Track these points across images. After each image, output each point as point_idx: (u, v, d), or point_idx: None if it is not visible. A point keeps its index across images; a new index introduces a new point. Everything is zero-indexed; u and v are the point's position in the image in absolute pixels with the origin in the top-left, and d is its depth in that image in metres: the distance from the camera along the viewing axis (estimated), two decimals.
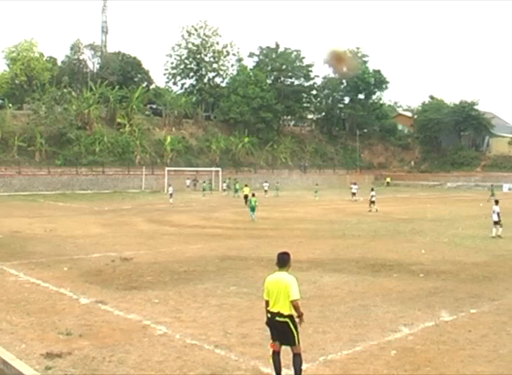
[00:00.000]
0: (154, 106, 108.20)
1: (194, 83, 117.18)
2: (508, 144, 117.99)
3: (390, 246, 28.99)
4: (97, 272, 21.41)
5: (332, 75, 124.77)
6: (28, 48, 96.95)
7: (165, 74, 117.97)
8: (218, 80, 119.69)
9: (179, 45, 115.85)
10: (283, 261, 10.63)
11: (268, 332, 10.81)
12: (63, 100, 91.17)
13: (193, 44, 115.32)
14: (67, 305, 16.27)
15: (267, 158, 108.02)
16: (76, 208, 52.91)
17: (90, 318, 14.89)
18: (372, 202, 52.03)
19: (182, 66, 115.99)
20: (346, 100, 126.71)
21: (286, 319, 10.30)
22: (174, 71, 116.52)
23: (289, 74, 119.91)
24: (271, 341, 10.69)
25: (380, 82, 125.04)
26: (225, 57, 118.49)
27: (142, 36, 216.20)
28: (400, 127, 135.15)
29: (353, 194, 65.91)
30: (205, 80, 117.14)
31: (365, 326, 14.28)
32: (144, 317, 14.96)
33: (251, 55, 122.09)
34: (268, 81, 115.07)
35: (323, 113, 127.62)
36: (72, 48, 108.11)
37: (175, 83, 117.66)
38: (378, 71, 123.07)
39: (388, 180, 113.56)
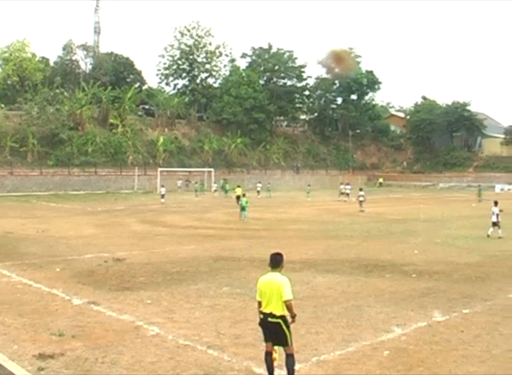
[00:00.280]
0: (146, 107, 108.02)
1: (187, 83, 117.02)
2: (500, 145, 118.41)
3: (383, 247, 29.02)
4: (89, 273, 21.38)
5: (324, 75, 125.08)
6: (20, 48, 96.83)
7: (157, 75, 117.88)
8: (210, 80, 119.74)
9: (172, 46, 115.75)
10: (276, 262, 10.64)
11: (261, 333, 10.81)
12: (55, 100, 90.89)
13: (185, 44, 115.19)
14: (60, 306, 16.24)
15: (259, 159, 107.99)
16: (69, 209, 52.78)
17: (83, 319, 14.87)
18: (361, 202, 52.23)
19: (174, 67, 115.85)
20: (339, 101, 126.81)
21: (279, 320, 10.30)
22: (167, 71, 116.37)
23: (282, 75, 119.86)
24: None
25: (373, 83, 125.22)
26: (217, 58, 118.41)
27: (135, 36, 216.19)
28: (392, 128, 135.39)
29: (347, 194, 66.06)
30: (198, 81, 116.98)
31: (358, 327, 14.29)
32: (137, 318, 14.95)
33: (244, 55, 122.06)
34: (261, 82, 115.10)
35: (316, 114, 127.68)
36: (64, 49, 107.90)
37: (167, 84, 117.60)
38: (371, 72, 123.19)
39: (380, 180, 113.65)
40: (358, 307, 16.30)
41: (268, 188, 78.48)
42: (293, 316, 10.33)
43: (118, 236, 33.34)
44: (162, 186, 63.84)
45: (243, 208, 43.33)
